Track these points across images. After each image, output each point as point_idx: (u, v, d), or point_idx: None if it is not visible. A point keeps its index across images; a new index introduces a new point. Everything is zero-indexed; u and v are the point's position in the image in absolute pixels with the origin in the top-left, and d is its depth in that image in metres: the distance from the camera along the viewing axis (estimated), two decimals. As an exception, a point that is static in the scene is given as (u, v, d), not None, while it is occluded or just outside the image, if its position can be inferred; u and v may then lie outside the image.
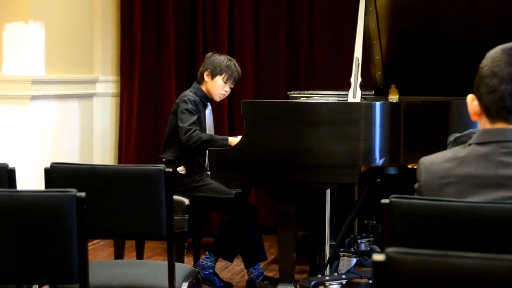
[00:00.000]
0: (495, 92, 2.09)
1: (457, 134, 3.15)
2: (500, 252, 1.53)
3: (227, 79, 4.90)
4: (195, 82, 4.99)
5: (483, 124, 2.15)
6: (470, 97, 2.18)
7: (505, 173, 2.07)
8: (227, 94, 5.01)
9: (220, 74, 4.88)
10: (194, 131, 4.68)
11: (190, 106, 4.76)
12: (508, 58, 2.09)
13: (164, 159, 4.87)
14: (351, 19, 6.08)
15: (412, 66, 4.85)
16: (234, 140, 4.57)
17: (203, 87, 4.92)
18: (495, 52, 2.12)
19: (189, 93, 4.87)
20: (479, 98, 2.14)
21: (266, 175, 4.10)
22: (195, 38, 6.48)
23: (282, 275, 4.15)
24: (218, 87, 4.90)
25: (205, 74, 4.90)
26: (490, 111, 2.12)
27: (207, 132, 4.83)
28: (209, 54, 5.02)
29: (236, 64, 4.96)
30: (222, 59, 4.93)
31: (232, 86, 5.00)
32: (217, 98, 4.98)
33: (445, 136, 3.84)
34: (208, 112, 4.95)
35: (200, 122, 4.81)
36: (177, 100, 4.89)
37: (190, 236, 4.96)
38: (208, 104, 4.96)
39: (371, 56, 4.81)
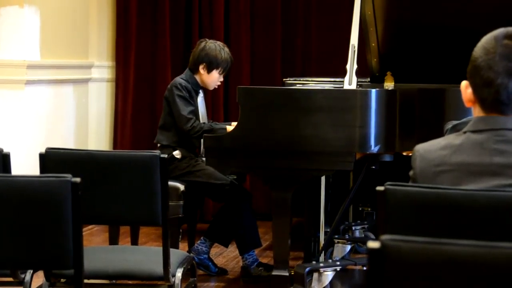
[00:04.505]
0: (491, 86, 2.08)
1: (455, 122, 3.12)
2: (494, 239, 1.54)
3: (223, 71, 4.91)
4: (188, 68, 4.96)
5: (478, 111, 2.15)
6: (464, 84, 2.17)
7: (500, 161, 2.07)
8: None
9: (217, 68, 4.87)
10: (195, 121, 4.72)
11: (184, 93, 4.76)
12: (503, 50, 2.06)
13: (159, 145, 4.87)
14: (347, 6, 6.07)
15: (408, 53, 4.84)
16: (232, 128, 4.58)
17: (197, 77, 4.90)
18: (488, 42, 2.09)
19: (180, 80, 4.86)
20: (473, 88, 2.13)
21: (261, 162, 4.09)
22: (191, 24, 6.46)
23: (277, 262, 4.16)
24: (214, 79, 4.91)
25: (200, 67, 4.87)
26: (485, 102, 2.11)
27: (201, 119, 4.84)
28: (202, 44, 4.95)
29: (228, 51, 4.94)
30: (217, 50, 4.87)
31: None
32: (212, 88, 5.00)
33: (440, 124, 3.84)
34: (200, 99, 4.94)
35: (195, 111, 4.81)
36: (168, 86, 4.88)
37: (185, 222, 4.97)
38: (200, 91, 4.95)
39: (367, 43, 4.80)
